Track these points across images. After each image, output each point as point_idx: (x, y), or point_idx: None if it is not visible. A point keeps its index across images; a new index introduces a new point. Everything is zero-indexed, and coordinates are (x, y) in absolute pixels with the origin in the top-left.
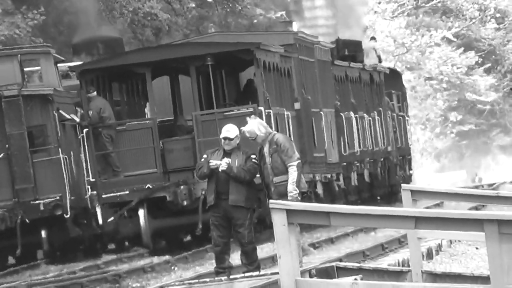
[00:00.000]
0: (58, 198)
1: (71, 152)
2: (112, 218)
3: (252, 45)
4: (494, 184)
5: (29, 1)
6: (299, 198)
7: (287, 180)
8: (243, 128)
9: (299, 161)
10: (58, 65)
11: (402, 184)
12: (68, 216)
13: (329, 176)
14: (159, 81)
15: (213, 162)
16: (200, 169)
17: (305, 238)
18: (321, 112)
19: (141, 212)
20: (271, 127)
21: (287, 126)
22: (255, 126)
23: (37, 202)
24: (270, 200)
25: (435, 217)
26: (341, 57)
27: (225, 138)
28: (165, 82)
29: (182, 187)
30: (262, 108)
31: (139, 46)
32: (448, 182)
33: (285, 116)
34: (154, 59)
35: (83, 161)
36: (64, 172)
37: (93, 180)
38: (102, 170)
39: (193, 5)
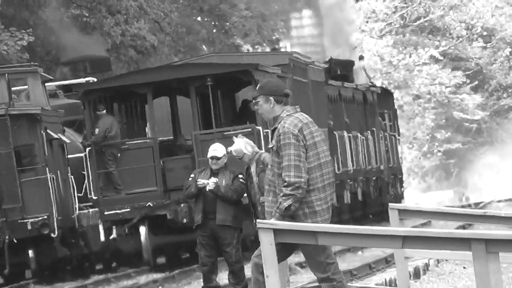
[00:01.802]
0: (45, 217)
1: (59, 171)
2: (114, 235)
3: (250, 66)
4: (481, 203)
5: (18, 21)
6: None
7: None
8: (230, 148)
9: None
10: (46, 84)
11: (389, 203)
12: (55, 235)
13: None
14: (158, 101)
15: (201, 181)
16: (188, 188)
17: (292, 257)
18: None
19: (142, 229)
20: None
21: None
22: (242, 145)
23: (24, 221)
24: (258, 220)
25: (422, 236)
26: (333, 77)
27: (212, 158)
28: (164, 103)
29: (182, 205)
30: (260, 128)
31: (124, 66)
32: (435, 202)
33: None
34: (155, 80)
35: (86, 178)
36: (51, 192)
37: (95, 198)
38: (103, 187)
39: (180, 25)
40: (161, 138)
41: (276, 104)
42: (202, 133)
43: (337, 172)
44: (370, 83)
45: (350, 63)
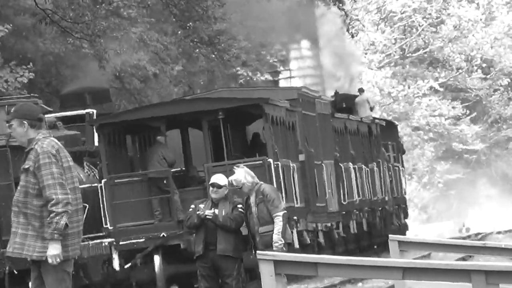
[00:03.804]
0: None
1: None
2: (129, 264)
3: (261, 100)
4: (481, 234)
5: (17, 52)
6: (284, 248)
7: (272, 230)
8: (230, 177)
9: (285, 211)
10: (46, 116)
11: (389, 235)
12: None
13: (329, 224)
14: (170, 134)
15: (201, 212)
16: (189, 219)
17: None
18: (323, 164)
19: (157, 259)
20: (278, 178)
21: (292, 177)
22: (242, 175)
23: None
24: (258, 251)
25: (423, 267)
26: (339, 110)
27: (213, 185)
28: (175, 135)
29: (194, 235)
30: (271, 160)
31: (125, 96)
32: (435, 233)
33: (291, 167)
34: (169, 113)
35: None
36: None
37: (111, 228)
38: (160, 214)
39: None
40: (173, 170)
41: (29, 128)
42: (214, 165)
43: (343, 203)
44: (372, 117)
45: (355, 97)
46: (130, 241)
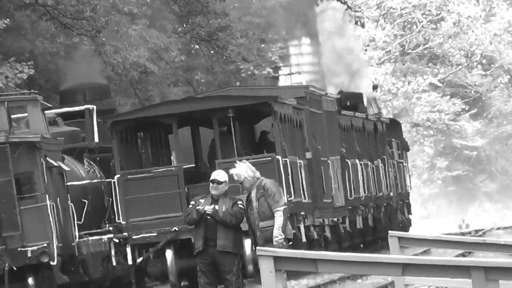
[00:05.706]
0: (45, 245)
1: (58, 199)
2: (141, 258)
3: (270, 98)
4: (480, 230)
5: (18, 52)
6: (284, 243)
7: (273, 225)
8: (231, 171)
9: (286, 206)
10: (45, 112)
11: (389, 231)
12: (55, 263)
13: (335, 219)
14: (181, 131)
15: (201, 207)
16: (189, 214)
17: (292, 284)
18: (328, 161)
19: (168, 253)
20: (287, 175)
21: (299, 173)
22: (243, 169)
23: (24, 249)
24: (258, 247)
25: (422, 264)
26: (343, 108)
27: (213, 181)
28: (186, 132)
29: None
30: (279, 157)
31: (125, 89)
32: (435, 229)
33: (298, 164)
34: (180, 111)
35: (115, 205)
36: (51, 219)
37: (124, 222)
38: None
39: (180, 56)
40: (184, 166)
41: None
42: (225, 161)
43: (349, 198)
44: (378, 115)
45: (359, 96)
46: (143, 235)
